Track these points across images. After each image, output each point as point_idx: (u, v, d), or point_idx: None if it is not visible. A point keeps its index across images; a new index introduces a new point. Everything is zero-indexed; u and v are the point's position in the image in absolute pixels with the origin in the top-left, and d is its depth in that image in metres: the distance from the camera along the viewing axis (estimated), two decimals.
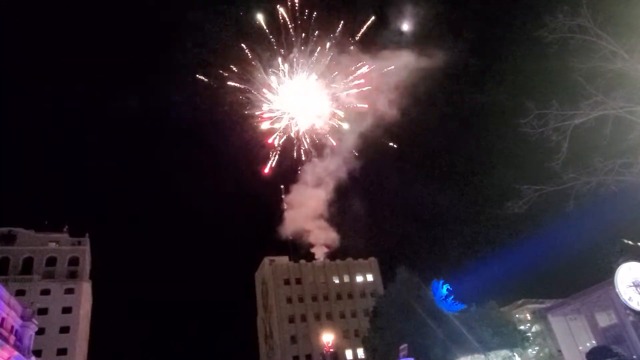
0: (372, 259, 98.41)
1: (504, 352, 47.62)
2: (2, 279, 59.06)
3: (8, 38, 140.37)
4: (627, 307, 11.67)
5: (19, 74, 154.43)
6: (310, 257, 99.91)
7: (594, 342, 43.40)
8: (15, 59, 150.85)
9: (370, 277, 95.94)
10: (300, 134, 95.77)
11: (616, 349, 5.64)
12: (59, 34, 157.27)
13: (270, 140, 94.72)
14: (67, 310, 75.83)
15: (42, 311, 68.92)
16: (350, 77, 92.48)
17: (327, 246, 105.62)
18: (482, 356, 45.63)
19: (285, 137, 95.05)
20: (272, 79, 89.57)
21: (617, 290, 11.17)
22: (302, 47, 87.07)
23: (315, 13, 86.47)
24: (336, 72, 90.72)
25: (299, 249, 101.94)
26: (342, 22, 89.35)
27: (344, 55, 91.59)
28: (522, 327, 53.86)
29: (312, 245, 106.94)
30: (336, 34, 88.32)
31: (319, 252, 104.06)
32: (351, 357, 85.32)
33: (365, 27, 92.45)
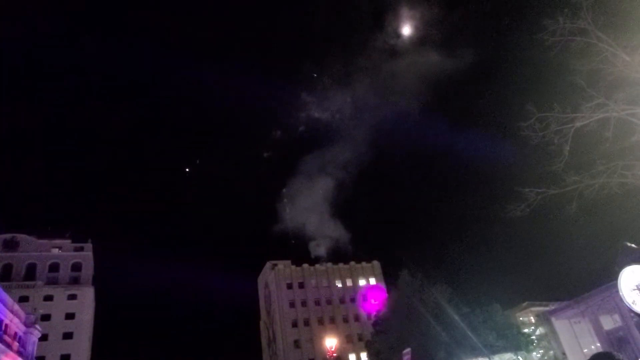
0: (375, 263, 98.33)
1: (509, 355, 47.43)
2: (6, 285, 59.02)
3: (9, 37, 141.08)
4: (631, 310, 11.64)
5: (19, 75, 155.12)
6: (313, 260, 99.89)
7: (598, 345, 43.22)
8: (15, 60, 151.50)
9: (373, 281, 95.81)
10: None
11: (618, 355, 5.56)
12: (60, 30, 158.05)
13: None
14: (70, 316, 75.84)
15: (45, 317, 69.01)
16: None
17: (329, 247, 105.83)
18: (487, 359, 45.44)
19: None
20: None
21: (621, 293, 11.14)
22: None
23: None
24: None
25: (301, 252, 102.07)
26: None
27: None
28: (526, 330, 53.64)
29: (313, 239, 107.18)
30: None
31: (321, 252, 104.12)
32: None
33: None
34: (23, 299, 69.30)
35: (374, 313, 50.43)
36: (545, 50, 16.76)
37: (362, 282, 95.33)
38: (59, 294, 77.16)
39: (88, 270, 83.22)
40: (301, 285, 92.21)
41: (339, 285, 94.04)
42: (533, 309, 63.94)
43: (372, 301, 53.18)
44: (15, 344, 48.18)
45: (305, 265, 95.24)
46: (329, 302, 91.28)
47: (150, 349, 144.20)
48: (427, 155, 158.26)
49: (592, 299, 41.54)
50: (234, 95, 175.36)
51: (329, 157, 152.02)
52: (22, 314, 51.35)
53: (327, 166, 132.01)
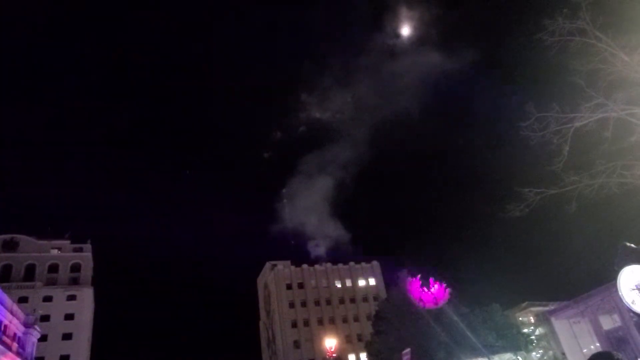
0: (375, 263, 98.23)
1: (508, 355, 47.43)
2: (5, 286, 58.98)
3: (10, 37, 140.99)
4: (630, 310, 11.65)
5: (19, 75, 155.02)
6: (312, 260, 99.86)
7: (597, 344, 43.25)
8: (15, 60, 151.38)
9: (372, 281, 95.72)
10: None
11: (618, 354, 5.56)
12: (61, 29, 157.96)
13: None
14: (69, 316, 75.76)
15: (45, 318, 68.95)
16: None
17: (329, 247, 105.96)
18: (486, 359, 45.43)
19: None
20: None
21: (620, 293, 11.16)
22: None
23: None
24: None
25: (301, 253, 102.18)
26: None
27: None
28: (525, 330, 53.64)
29: (312, 239, 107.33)
30: None
31: (320, 252, 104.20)
32: None
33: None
34: (22, 300, 69.27)
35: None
36: (545, 50, 16.76)
37: (361, 283, 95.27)
38: (59, 294, 77.08)
39: (87, 271, 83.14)
40: (301, 286, 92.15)
41: (339, 285, 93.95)
42: (533, 309, 63.93)
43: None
44: (15, 345, 48.13)
45: (305, 266, 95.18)
46: (328, 302, 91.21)
47: (150, 349, 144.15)
48: (427, 155, 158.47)
49: (592, 299, 41.56)
50: (234, 95, 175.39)
51: (329, 157, 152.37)
52: (21, 314, 51.29)
53: (327, 166, 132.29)
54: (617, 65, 15.75)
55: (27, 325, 51.90)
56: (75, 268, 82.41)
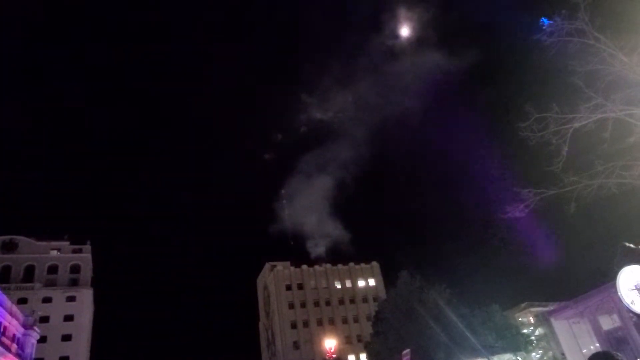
0: (374, 264, 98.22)
1: (508, 356, 47.45)
2: (4, 287, 58.88)
3: (8, 35, 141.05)
4: (629, 310, 11.67)
5: (19, 75, 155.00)
6: (312, 261, 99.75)
7: (597, 345, 43.24)
8: (15, 60, 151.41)
9: (372, 282, 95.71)
10: None
11: (617, 354, 5.59)
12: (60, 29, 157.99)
13: None
14: (68, 318, 75.70)
15: (44, 319, 68.78)
16: None
17: (328, 248, 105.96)
18: None
19: None
20: None
21: (619, 293, 11.18)
22: None
23: None
24: None
25: (300, 253, 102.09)
26: None
27: None
28: (525, 331, 53.67)
29: (312, 240, 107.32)
30: None
31: (320, 252, 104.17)
32: None
33: None
34: (22, 301, 69.15)
35: None
36: (543, 51, 16.79)
37: (361, 283, 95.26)
38: (58, 295, 77.00)
39: (87, 272, 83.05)
40: (300, 287, 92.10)
41: (338, 286, 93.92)
42: (532, 309, 63.89)
43: None
44: (14, 346, 48.10)
45: (305, 267, 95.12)
46: (328, 303, 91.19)
47: (150, 349, 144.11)
48: (426, 155, 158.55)
49: (591, 299, 41.59)
50: (234, 96, 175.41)
51: (329, 156, 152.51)
52: (20, 315, 51.27)
53: (327, 166, 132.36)
54: (615, 66, 15.76)
55: (26, 326, 51.89)
56: (75, 269, 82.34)
